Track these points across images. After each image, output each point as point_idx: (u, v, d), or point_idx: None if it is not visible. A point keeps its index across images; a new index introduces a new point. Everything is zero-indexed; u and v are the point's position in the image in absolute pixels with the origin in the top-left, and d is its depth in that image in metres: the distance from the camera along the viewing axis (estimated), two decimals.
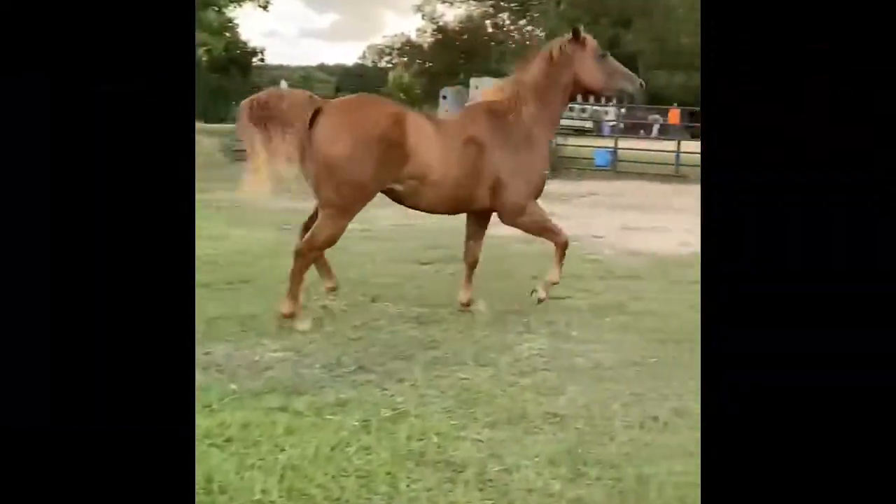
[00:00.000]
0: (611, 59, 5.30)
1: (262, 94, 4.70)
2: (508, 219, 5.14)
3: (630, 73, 5.39)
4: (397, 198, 4.90)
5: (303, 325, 4.67)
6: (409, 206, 5.04)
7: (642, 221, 10.48)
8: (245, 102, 4.64)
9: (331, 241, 4.72)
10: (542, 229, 5.21)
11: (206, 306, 4.69)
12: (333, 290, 5.16)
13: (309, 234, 4.70)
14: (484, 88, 13.66)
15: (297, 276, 4.67)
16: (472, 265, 5.35)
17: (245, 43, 41.62)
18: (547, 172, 5.31)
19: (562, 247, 5.17)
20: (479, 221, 5.36)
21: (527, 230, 5.28)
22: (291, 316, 4.68)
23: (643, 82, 5.40)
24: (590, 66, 5.16)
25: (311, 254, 4.71)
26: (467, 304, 5.26)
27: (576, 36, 5.15)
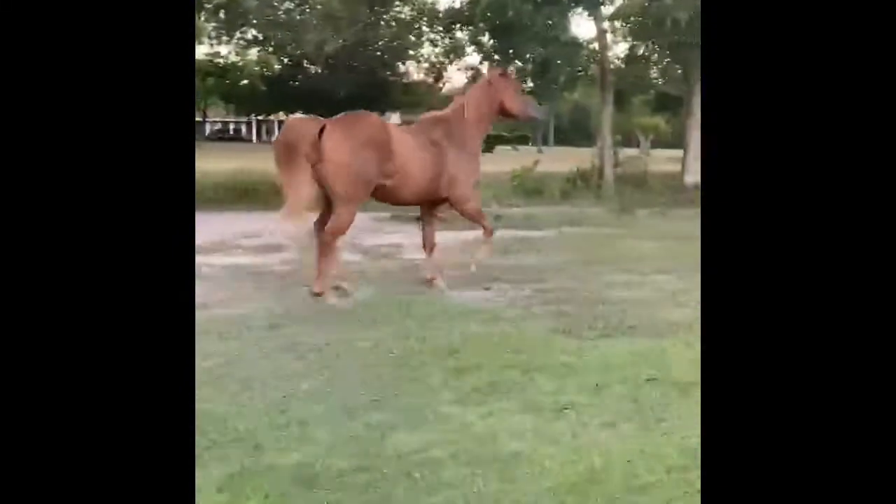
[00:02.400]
0: (527, 94, 7.60)
1: (282, 131, 6.24)
2: (458, 206, 6.76)
3: (539, 105, 7.83)
4: (383, 194, 6.30)
5: (331, 300, 5.98)
6: (390, 201, 6.55)
7: None
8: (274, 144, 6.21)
9: (346, 226, 6.13)
10: (480, 217, 6.93)
11: None
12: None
13: (329, 223, 6.01)
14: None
15: (323, 259, 6.06)
16: (431, 249, 6.92)
17: None
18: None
19: (489, 232, 6.98)
20: (431, 211, 6.96)
21: (468, 216, 6.91)
22: (321, 294, 6.02)
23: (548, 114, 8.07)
24: (513, 96, 7.03)
25: (333, 239, 6.07)
26: (431, 280, 6.73)
27: (504, 72, 7.35)
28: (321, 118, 6.07)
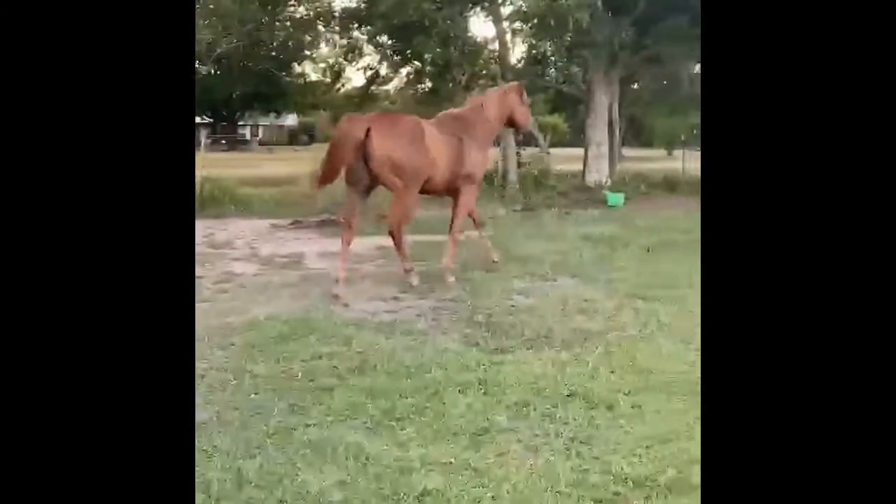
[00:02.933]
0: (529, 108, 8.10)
1: (338, 128, 6.81)
2: (465, 187, 7.26)
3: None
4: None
5: (415, 280, 6.89)
6: (421, 191, 6.93)
7: None
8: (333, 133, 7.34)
9: (410, 213, 6.95)
10: (469, 208, 7.50)
11: None
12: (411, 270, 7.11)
13: (391, 214, 6.83)
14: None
15: (399, 245, 6.98)
16: (478, 226, 7.93)
17: None
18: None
19: (455, 241, 7.33)
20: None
21: (468, 205, 7.39)
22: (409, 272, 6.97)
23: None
24: (522, 110, 7.79)
25: (399, 226, 6.86)
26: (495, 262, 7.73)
27: (521, 87, 7.98)
28: (368, 116, 6.75)
